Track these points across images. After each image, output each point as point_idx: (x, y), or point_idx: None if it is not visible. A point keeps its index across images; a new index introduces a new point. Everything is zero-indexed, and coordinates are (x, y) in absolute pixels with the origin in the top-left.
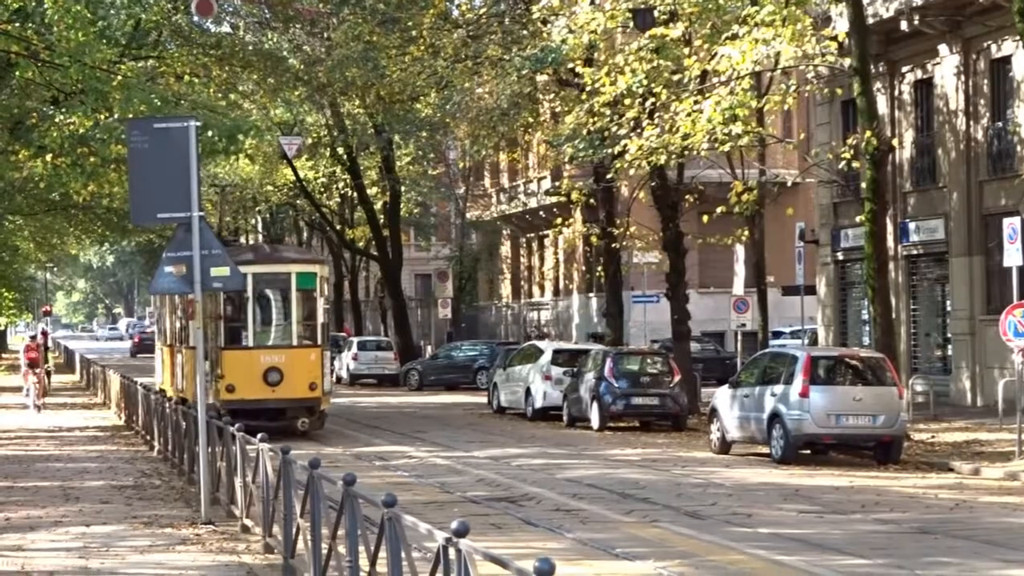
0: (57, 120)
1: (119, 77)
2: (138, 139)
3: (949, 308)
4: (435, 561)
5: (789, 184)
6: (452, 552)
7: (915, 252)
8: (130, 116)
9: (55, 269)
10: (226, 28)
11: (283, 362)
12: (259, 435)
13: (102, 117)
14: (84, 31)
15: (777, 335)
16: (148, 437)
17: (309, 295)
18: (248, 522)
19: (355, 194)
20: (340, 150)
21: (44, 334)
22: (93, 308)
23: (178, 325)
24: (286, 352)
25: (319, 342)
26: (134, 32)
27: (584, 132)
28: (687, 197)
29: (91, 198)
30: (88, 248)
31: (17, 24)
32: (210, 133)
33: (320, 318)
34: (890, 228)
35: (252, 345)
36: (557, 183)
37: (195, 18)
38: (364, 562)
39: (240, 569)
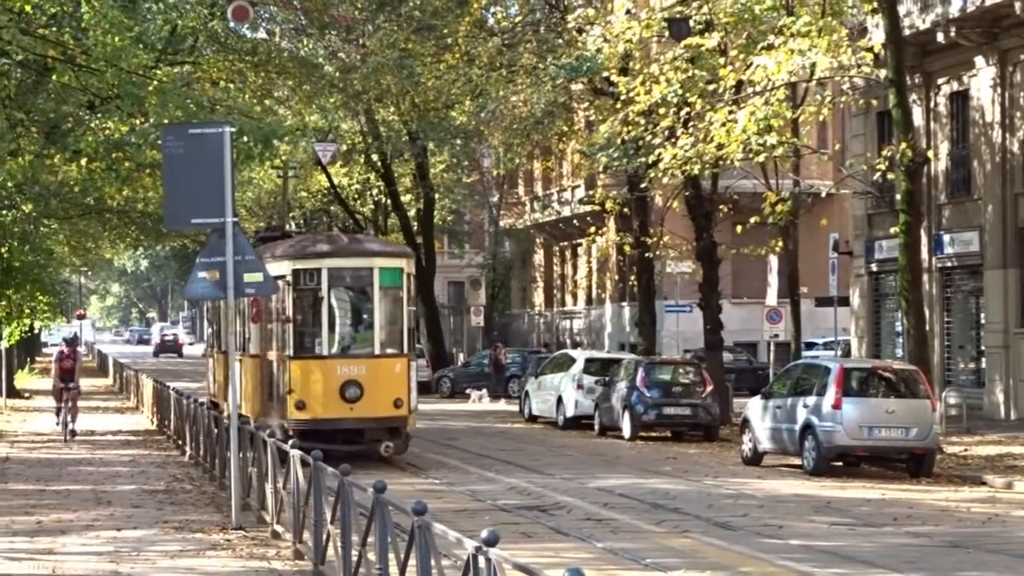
0: (93, 125)
1: (155, 82)
2: (173, 144)
3: (983, 321)
4: (465, 569)
5: (823, 195)
6: (482, 561)
7: (949, 264)
8: (165, 121)
9: (89, 273)
10: (262, 34)
11: (363, 374)
12: (341, 466)
13: (137, 122)
14: (120, 36)
15: (810, 346)
16: (180, 442)
17: (394, 294)
18: (279, 528)
19: (389, 201)
20: (374, 157)
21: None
22: (127, 312)
23: (237, 329)
24: (367, 363)
25: (405, 350)
26: (170, 37)
27: (618, 141)
28: (721, 207)
29: (126, 203)
30: (122, 252)
31: (54, 29)
32: (245, 138)
33: (406, 322)
34: (924, 240)
35: (327, 354)
36: (591, 192)
37: (231, 24)
38: (394, 570)
39: (270, 575)
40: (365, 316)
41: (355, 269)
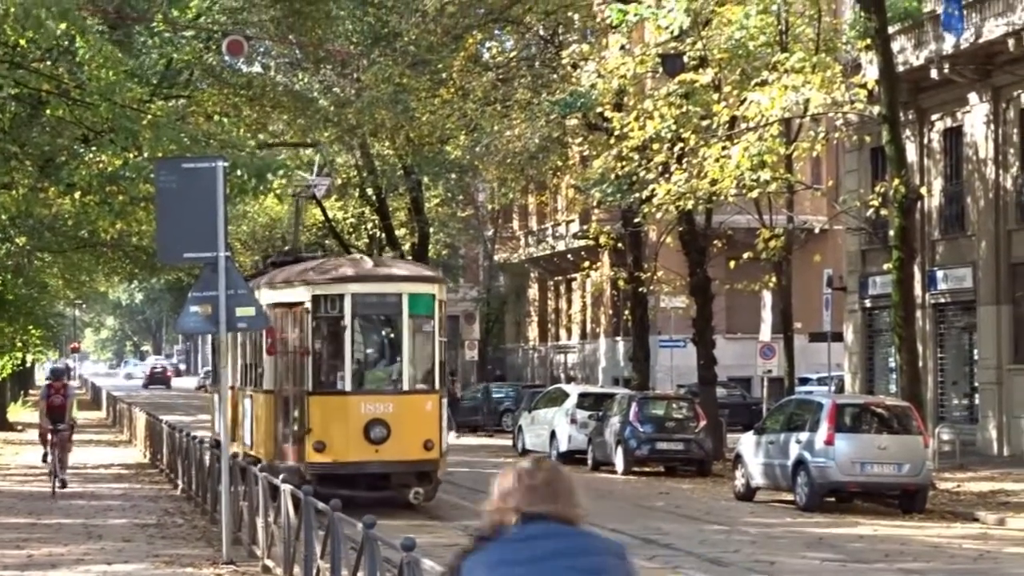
0: (87, 158)
1: (149, 116)
2: (166, 178)
3: (976, 357)
4: None
5: (817, 231)
6: None
7: (943, 300)
8: (159, 155)
9: (84, 306)
10: (257, 68)
11: (391, 412)
12: (364, 519)
13: (131, 156)
14: (115, 70)
15: (804, 381)
16: (172, 475)
17: (425, 323)
18: (269, 562)
19: (384, 235)
20: (369, 191)
21: (66, 374)
22: (121, 345)
23: (246, 362)
24: (395, 399)
25: (436, 386)
26: (165, 71)
27: (612, 176)
28: (715, 242)
29: (119, 236)
30: (117, 286)
31: (49, 63)
32: (239, 172)
33: (438, 355)
34: (918, 276)
35: (350, 390)
36: (585, 227)
37: (226, 58)
38: None
39: None
40: (392, 348)
41: (382, 295)
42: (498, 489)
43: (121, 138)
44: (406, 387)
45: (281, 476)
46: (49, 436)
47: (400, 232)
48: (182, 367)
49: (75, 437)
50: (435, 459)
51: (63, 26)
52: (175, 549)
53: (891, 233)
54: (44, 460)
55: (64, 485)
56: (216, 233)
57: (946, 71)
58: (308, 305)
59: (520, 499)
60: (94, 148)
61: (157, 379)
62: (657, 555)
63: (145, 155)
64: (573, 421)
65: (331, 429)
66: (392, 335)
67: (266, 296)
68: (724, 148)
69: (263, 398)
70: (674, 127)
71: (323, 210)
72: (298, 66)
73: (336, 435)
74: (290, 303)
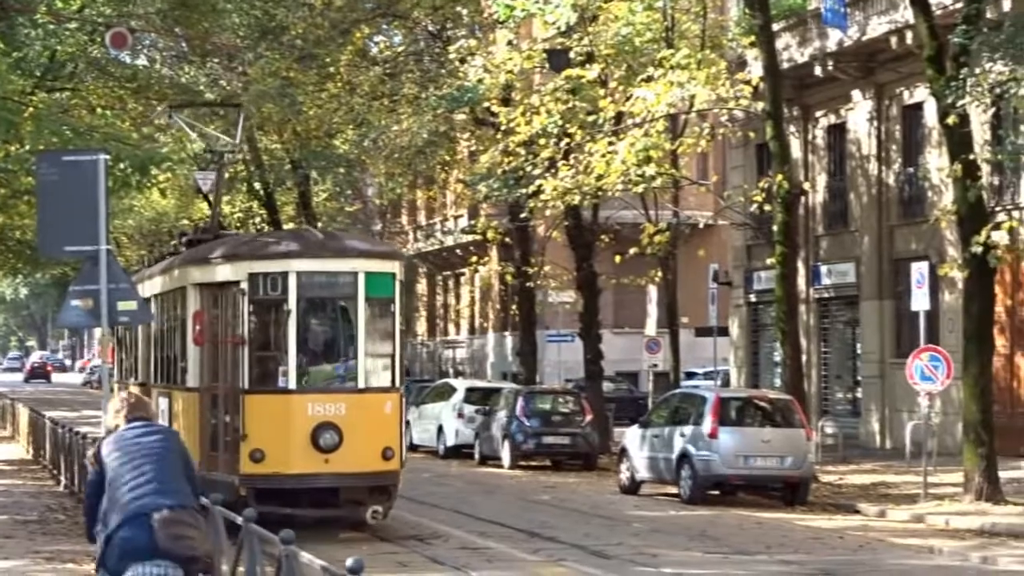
0: None
1: (31, 108)
2: (47, 171)
3: (859, 351)
4: None
5: (702, 226)
6: None
7: (827, 295)
8: (41, 148)
9: None
10: (143, 61)
11: (343, 415)
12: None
13: (12, 148)
14: None
15: (691, 375)
16: (55, 472)
17: (384, 308)
18: None
19: (272, 229)
20: (257, 185)
21: None
22: (6, 340)
23: (160, 355)
24: (348, 399)
25: (397, 383)
26: (49, 63)
27: (499, 171)
28: (601, 237)
29: (1, 230)
30: (1, 280)
31: None
32: (122, 165)
33: (399, 345)
34: (802, 271)
35: (294, 388)
36: (473, 222)
37: (110, 51)
38: None
39: None
40: (346, 337)
41: (333, 274)
42: (114, 408)
43: (2, 130)
44: (362, 384)
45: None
46: None
47: (288, 226)
48: (67, 362)
49: None
50: (395, 470)
51: None
52: (56, 545)
53: (775, 228)
54: None
55: None
56: (97, 226)
57: (830, 68)
58: (244, 285)
59: (127, 411)
60: None
61: (38, 374)
62: (541, 548)
63: (27, 148)
64: (460, 416)
65: (271, 435)
66: (346, 321)
67: (191, 275)
68: (610, 144)
69: (186, 397)
70: (560, 122)
71: (210, 204)
72: (184, 59)
73: (277, 442)
74: (220, 283)
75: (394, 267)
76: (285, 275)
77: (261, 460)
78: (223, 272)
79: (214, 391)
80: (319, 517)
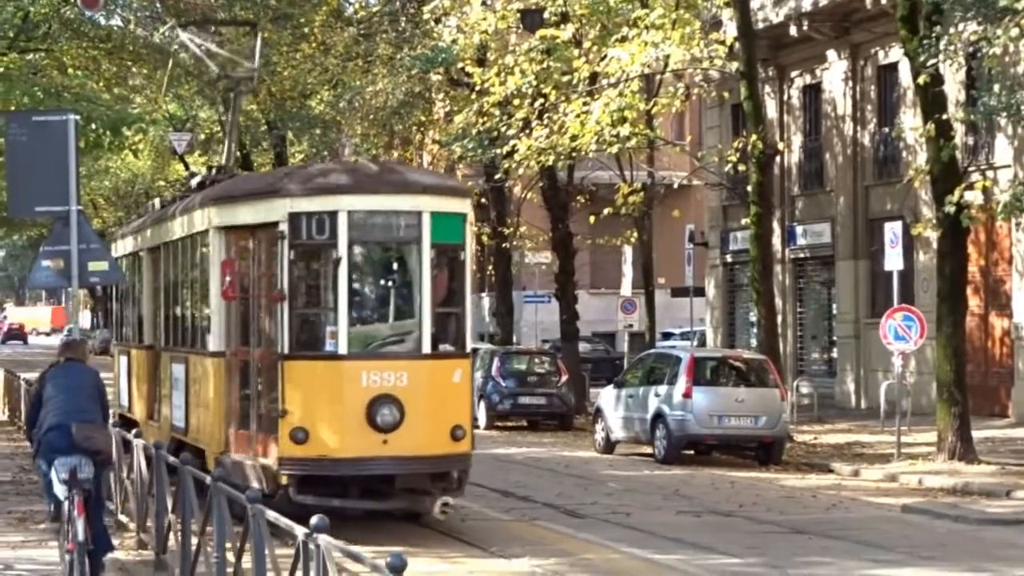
0: None
1: (1, 69)
2: (16, 132)
3: (835, 311)
4: (295, 555)
5: (676, 186)
6: (312, 546)
7: (802, 255)
8: (12, 108)
9: None
10: (117, 21)
11: (404, 386)
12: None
13: None
14: None
15: (667, 336)
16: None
17: (452, 256)
18: (123, 518)
19: None
20: (233, 146)
21: None
22: None
23: (172, 313)
24: (410, 367)
25: (467, 348)
26: (23, 24)
27: (474, 132)
28: (577, 198)
29: None
30: None
31: None
32: (93, 126)
33: (468, 301)
34: (778, 231)
35: (345, 352)
36: None
37: (83, 11)
38: (231, 556)
39: (113, 565)
40: (407, 292)
41: (393, 214)
42: (58, 354)
43: None
44: (427, 349)
45: (246, 491)
46: None
47: None
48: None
49: None
50: (466, 453)
51: None
52: (29, 506)
53: (749, 189)
54: None
55: None
56: (68, 187)
57: (805, 28)
58: (284, 228)
59: (62, 352)
60: None
61: (14, 335)
62: (514, 508)
63: None
64: None
65: (317, 410)
66: (408, 273)
67: (215, 216)
68: (585, 104)
69: (207, 363)
70: (535, 83)
71: (186, 165)
72: (158, 19)
73: (325, 418)
74: (254, 225)
75: (465, 206)
76: (334, 215)
77: (304, 441)
78: (257, 212)
79: (244, 356)
80: (373, 510)
